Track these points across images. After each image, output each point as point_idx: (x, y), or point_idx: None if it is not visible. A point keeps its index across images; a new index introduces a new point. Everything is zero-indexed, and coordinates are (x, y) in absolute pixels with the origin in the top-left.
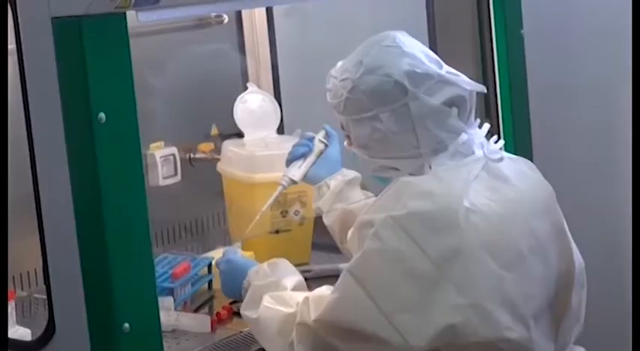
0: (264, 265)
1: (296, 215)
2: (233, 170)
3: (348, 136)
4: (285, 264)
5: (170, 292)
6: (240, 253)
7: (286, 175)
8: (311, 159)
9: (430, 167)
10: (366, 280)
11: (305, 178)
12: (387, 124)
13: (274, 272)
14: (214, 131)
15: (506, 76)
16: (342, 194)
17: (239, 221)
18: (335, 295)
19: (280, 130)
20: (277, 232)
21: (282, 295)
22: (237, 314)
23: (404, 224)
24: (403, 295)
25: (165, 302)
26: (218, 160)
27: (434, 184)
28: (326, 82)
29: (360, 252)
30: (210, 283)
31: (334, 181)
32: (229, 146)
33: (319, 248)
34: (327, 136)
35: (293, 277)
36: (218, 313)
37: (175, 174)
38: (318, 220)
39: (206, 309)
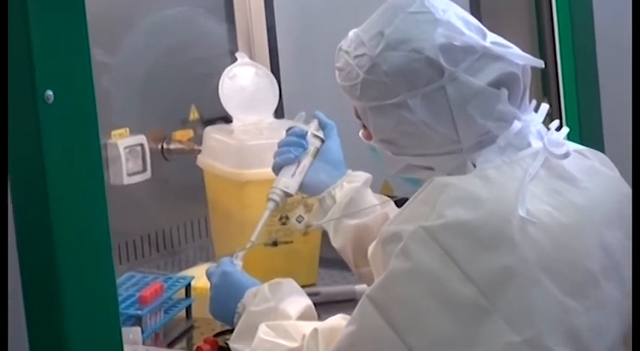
0: (265, 286)
1: (299, 222)
2: (218, 164)
3: (365, 127)
4: (290, 285)
5: (137, 320)
6: (239, 267)
7: (277, 187)
8: (306, 161)
9: (474, 165)
10: (391, 309)
11: (301, 187)
12: (418, 112)
13: (275, 295)
14: (194, 115)
15: (569, 42)
16: (352, 206)
17: (225, 230)
18: (351, 327)
19: (279, 113)
20: (275, 244)
21: (283, 324)
22: (225, 349)
23: (440, 238)
24: (438, 330)
25: (131, 334)
26: (199, 151)
27: (479, 186)
28: (335, 58)
29: (383, 273)
30: (188, 309)
31: (340, 191)
32: (213, 134)
33: (329, 265)
34: (322, 127)
35: (299, 302)
36: (199, 348)
37: (144, 170)
38: None
39: (183, 342)
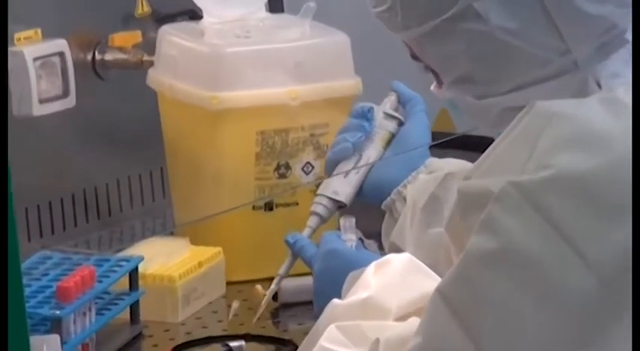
0: (371, 266)
1: (306, 174)
2: (181, 84)
3: (434, 73)
4: (400, 263)
5: (55, 325)
6: (352, 243)
7: (322, 195)
8: (371, 152)
9: (599, 85)
10: (470, 310)
11: (362, 190)
12: (493, 17)
13: (376, 281)
14: (142, 8)
15: None
16: (437, 209)
17: (191, 186)
18: (418, 339)
19: (275, 4)
20: (271, 207)
21: (360, 327)
22: None
23: (542, 201)
24: (538, 340)
25: (46, 345)
26: (151, 64)
27: (604, 115)
28: None
29: (460, 256)
30: (135, 307)
31: (413, 186)
32: (173, 37)
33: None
34: (401, 104)
35: (409, 289)
36: None
37: (65, 94)
38: None
39: None
